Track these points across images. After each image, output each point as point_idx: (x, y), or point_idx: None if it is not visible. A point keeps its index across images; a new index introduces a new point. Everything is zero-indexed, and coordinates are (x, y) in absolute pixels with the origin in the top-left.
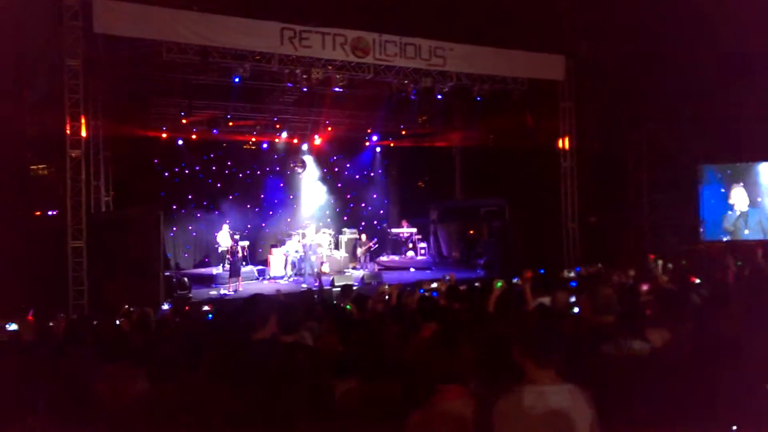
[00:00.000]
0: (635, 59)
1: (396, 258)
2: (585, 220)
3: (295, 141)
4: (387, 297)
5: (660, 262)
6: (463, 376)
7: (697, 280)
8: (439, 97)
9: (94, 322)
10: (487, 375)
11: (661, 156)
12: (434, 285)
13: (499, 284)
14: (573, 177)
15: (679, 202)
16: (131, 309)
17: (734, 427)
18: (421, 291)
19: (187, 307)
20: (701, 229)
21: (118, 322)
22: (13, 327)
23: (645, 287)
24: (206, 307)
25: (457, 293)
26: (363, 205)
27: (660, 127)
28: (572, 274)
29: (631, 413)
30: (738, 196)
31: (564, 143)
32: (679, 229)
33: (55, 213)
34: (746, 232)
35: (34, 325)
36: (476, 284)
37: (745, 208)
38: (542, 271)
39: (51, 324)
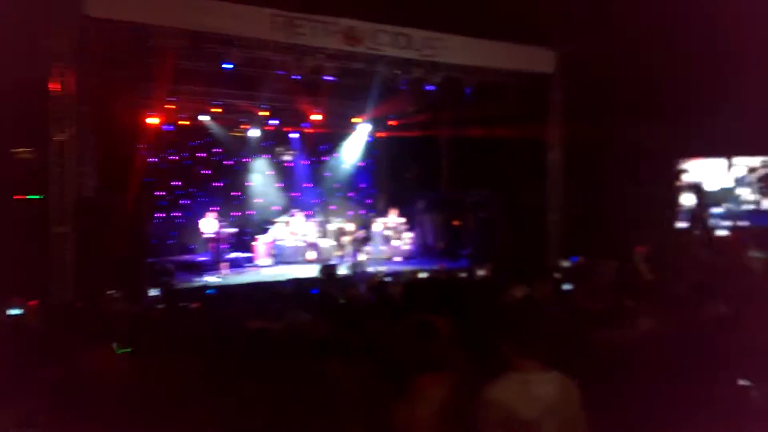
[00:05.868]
0: (621, 53)
1: (382, 248)
2: (569, 212)
3: (285, 129)
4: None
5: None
6: (440, 365)
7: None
8: (429, 88)
9: (79, 307)
10: (473, 364)
11: (643, 150)
12: (422, 275)
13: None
14: (559, 169)
15: (658, 196)
16: (116, 294)
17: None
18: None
19: (173, 294)
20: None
21: (103, 307)
22: (16, 312)
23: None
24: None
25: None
26: (351, 194)
27: (643, 121)
28: (568, 264)
29: (621, 399)
30: None
31: (551, 136)
32: (658, 222)
33: (38, 198)
34: None
35: (38, 310)
36: (462, 274)
37: None
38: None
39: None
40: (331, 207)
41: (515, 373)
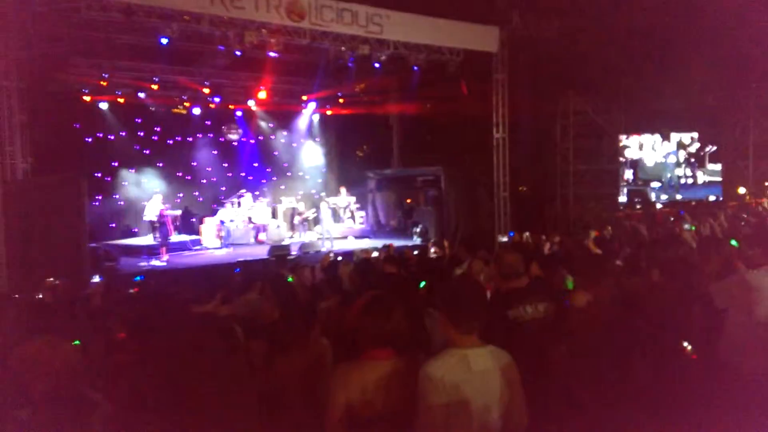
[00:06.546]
0: (564, 32)
1: (334, 227)
2: (516, 189)
3: (230, 107)
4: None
5: (592, 233)
6: (394, 341)
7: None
8: (377, 65)
9: (16, 296)
10: (415, 340)
11: (586, 127)
12: (375, 254)
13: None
14: (505, 147)
15: (601, 173)
16: (56, 282)
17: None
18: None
19: (115, 280)
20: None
21: (41, 295)
22: None
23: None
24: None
25: (393, 260)
26: (300, 173)
27: (585, 99)
28: (505, 239)
29: (536, 375)
30: None
31: (497, 114)
32: (600, 198)
33: None
34: None
35: None
36: (415, 251)
37: None
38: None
39: None
40: (281, 187)
41: (454, 348)
